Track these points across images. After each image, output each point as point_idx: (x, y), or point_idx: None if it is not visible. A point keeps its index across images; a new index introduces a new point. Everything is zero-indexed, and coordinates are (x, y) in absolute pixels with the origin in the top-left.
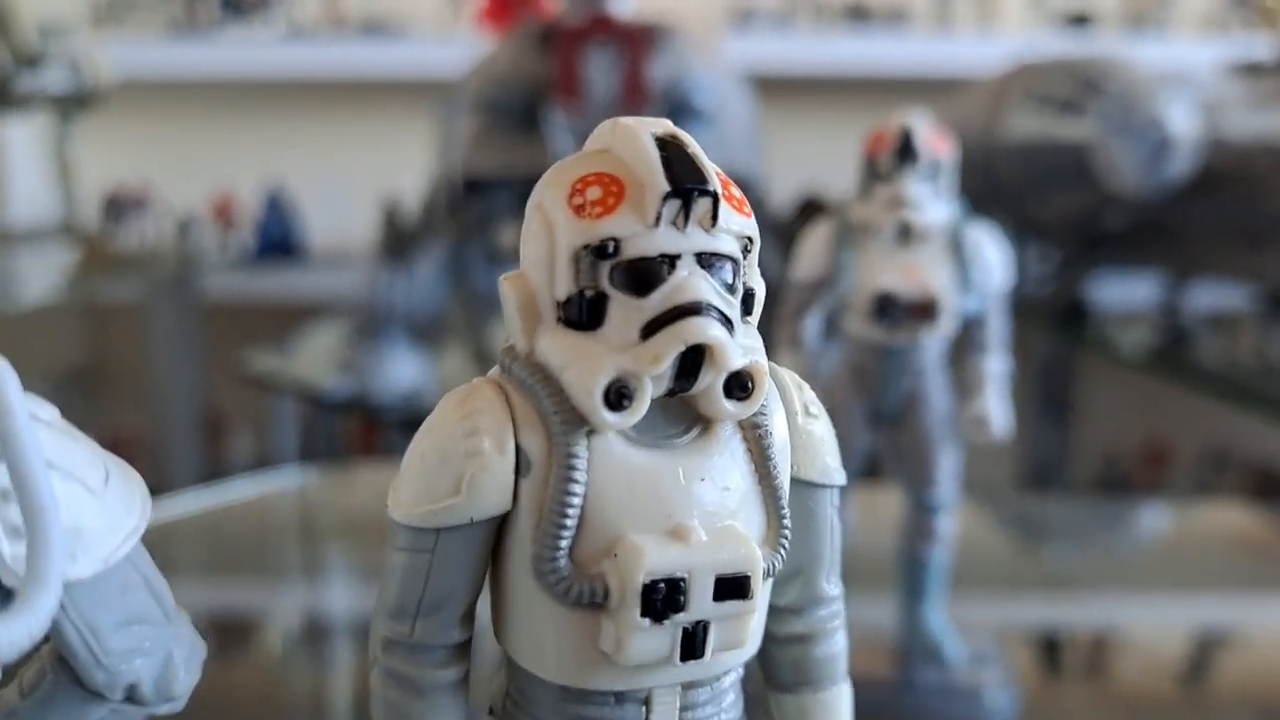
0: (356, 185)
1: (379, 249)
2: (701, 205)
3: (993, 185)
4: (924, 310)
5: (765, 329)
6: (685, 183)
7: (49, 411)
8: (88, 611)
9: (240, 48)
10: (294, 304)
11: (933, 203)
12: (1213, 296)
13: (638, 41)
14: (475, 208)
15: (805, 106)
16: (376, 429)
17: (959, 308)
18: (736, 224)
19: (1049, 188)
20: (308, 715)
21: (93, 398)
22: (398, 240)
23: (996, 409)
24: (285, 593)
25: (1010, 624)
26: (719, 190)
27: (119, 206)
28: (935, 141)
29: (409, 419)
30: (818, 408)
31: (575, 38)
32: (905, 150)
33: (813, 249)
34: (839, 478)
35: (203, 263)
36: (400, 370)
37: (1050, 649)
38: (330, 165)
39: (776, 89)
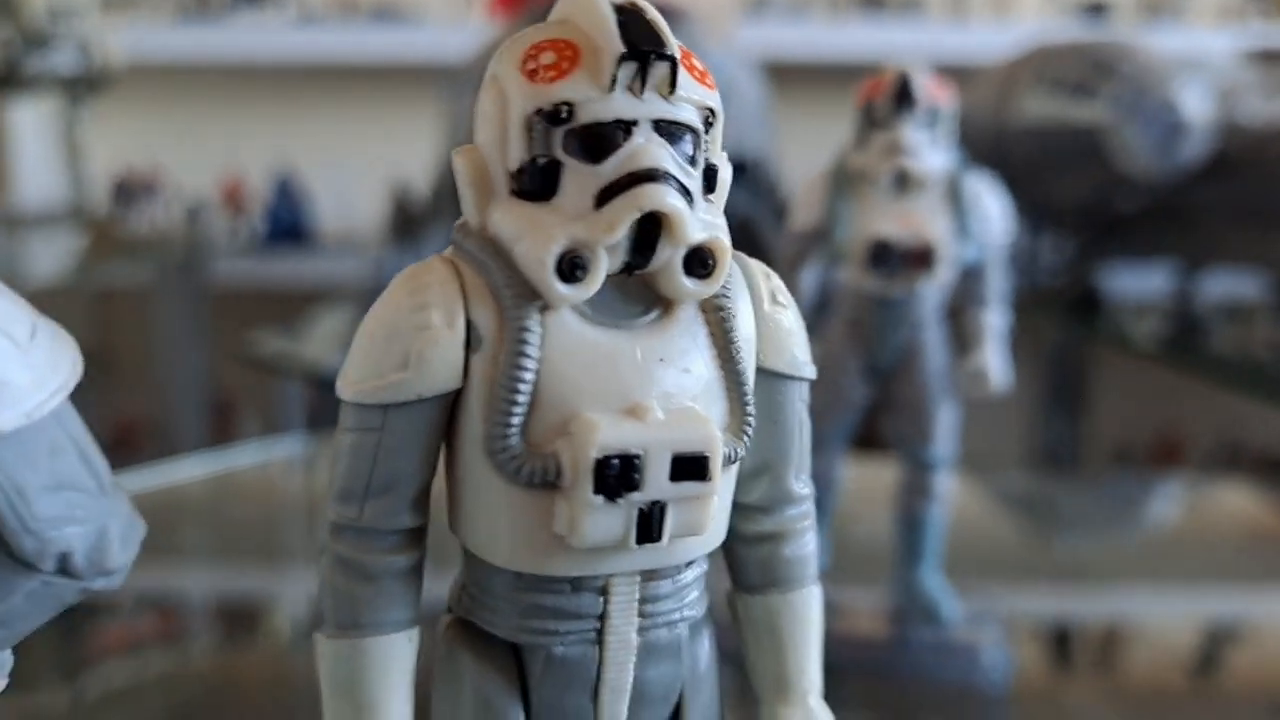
0: (366, 171)
1: (387, 231)
2: (659, 70)
3: (1005, 168)
4: (920, 258)
5: None
6: (642, 45)
7: None
8: (13, 470)
9: (251, 32)
10: (303, 289)
11: (930, 150)
12: (1226, 286)
13: None
14: None
15: (819, 94)
16: None
17: (956, 257)
18: (698, 94)
19: (1061, 170)
20: (316, 700)
21: (100, 381)
22: (406, 223)
23: (995, 362)
24: (291, 577)
25: (1020, 615)
26: (677, 55)
27: (128, 191)
28: (933, 89)
29: None
30: (786, 297)
31: None
32: (902, 97)
33: (808, 198)
34: (808, 370)
35: (212, 248)
36: None
37: (1060, 640)
38: (340, 151)
39: (791, 76)
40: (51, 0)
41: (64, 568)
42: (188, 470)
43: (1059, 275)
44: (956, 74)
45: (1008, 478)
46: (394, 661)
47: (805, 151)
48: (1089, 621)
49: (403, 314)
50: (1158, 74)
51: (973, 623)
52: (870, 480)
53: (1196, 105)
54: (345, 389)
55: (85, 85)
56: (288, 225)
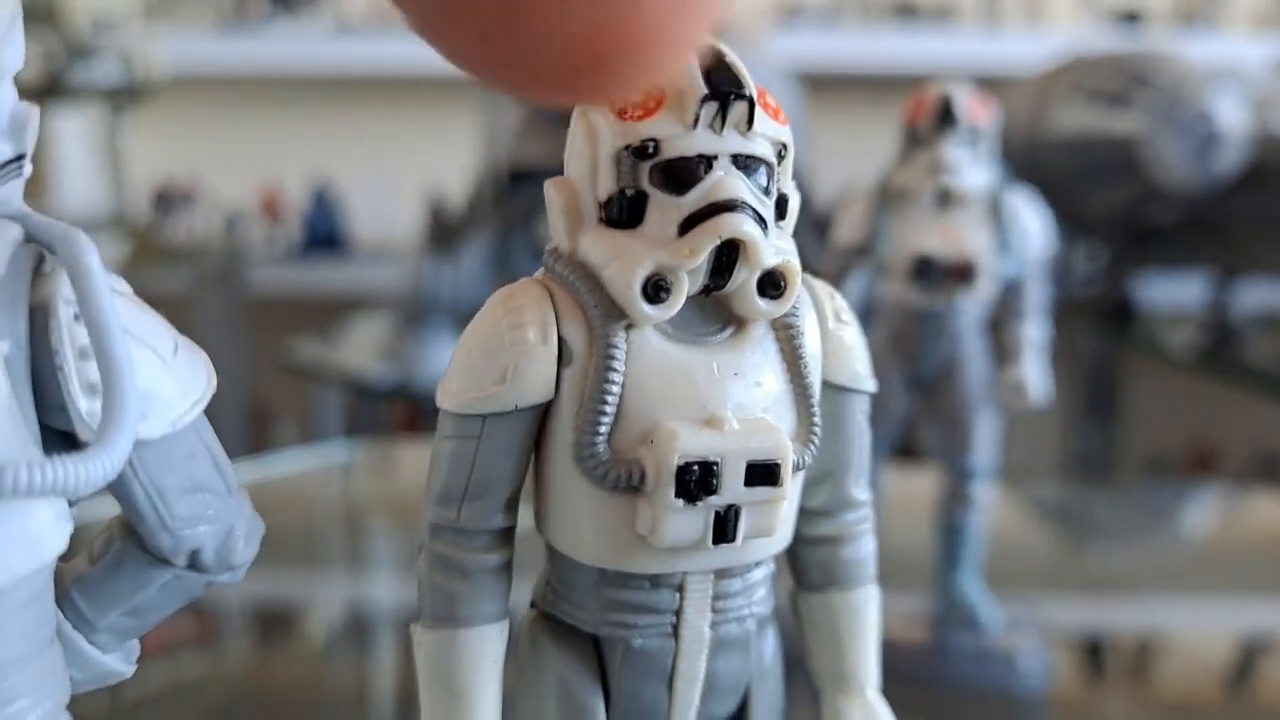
0: (402, 180)
1: (424, 241)
2: (738, 109)
3: (1040, 179)
4: (961, 272)
5: None
6: (722, 87)
7: (123, 285)
8: (155, 474)
9: (288, 42)
10: (339, 298)
11: (971, 168)
12: (1261, 295)
13: None
14: (520, 198)
15: (852, 104)
16: (420, 418)
17: (997, 272)
18: (771, 129)
19: (1096, 182)
20: (350, 707)
21: None
22: (443, 233)
23: (1034, 375)
24: (328, 582)
25: (1053, 624)
26: (755, 96)
27: (168, 200)
28: (975, 108)
29: None
30: (849, 315)
31: None
32: (945, 116)
33: (853, 214)
34: (869, 384)
35: (249, 256)
36: (444, 359)
37: (1093, 650)
38: (376, 160)
39: (823, 86)
40: (94, 12)
41: (194, 563)
42: None
43: (1093, 285)
44: (990, 83)
45: (1041, 487)
46: (486, 652)
47: (839, 159)
48: (1122, 632)
49: (501, 331)
50: (1193, 84)
51: (1011, 629)
52: (911, 488)
53: (1232, 115)
54: (446, 400)
55: (127, 96)
56: (324, 234)
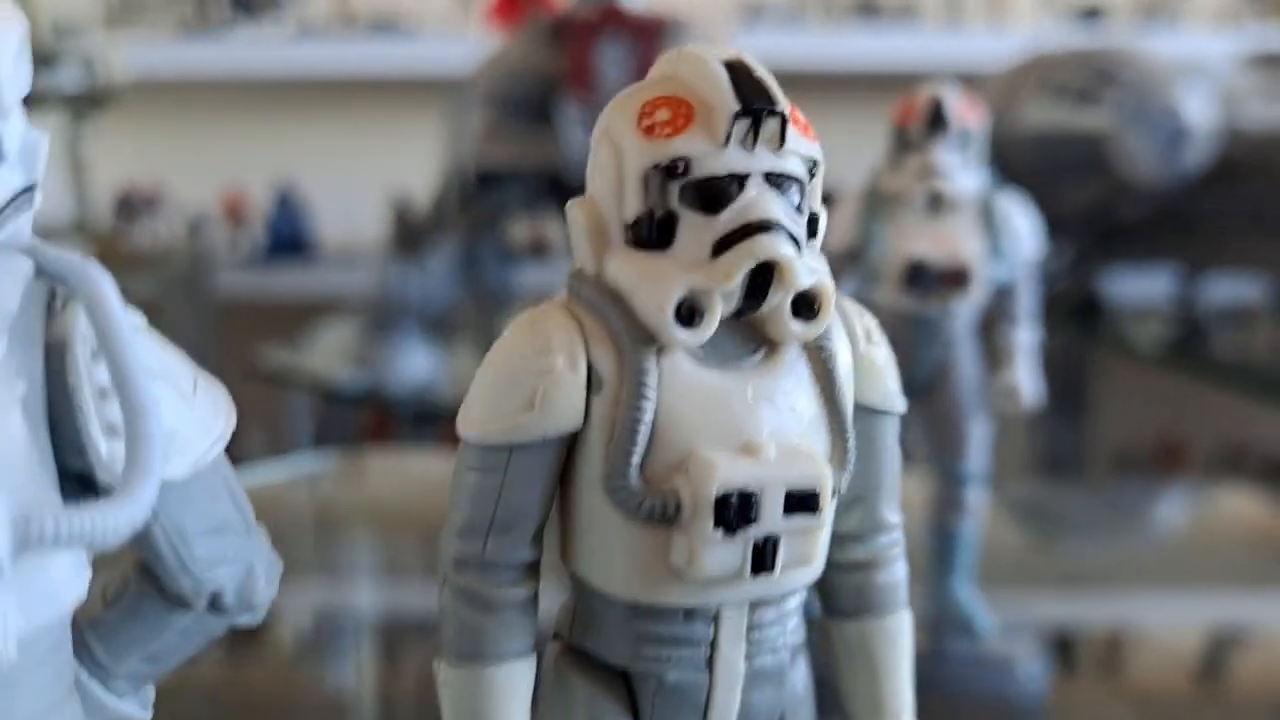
0: (367, 183)
1: (390, 245)
2: (770, 126)
3: (1007, 176)
4: (955, 278)
5: None
6: (755, 103)
7: (140, 320)
8: (177, 515)
9: (251, 47)
10: (305, 302)
11: (962, 172)
12: (1228, 290)
13: (649, 34)
14: (487, 201)
15: (815, 102)
16: (390, 423)
17: (989, 276)
18: (803, 147)
19: (1064, 178)
20: (320, 714)
21: None
22: (409, 236)
23: (1026, 379)
24: (299, 589)
25: (1024, 620)
26: (787, 111)
27: (131, 205)
28: (965, 111)
29: (422, 412)
30: (879, 335)
31: (587, 31)
32: (935, 120)
33: (843, 219)
34: (899, 404)
35: (214, 261)
36: (413, 364)
37: (1064, 646)
38: (340, 163)
39: (786, 84)
40: (56, 18)
41: (215, 605)
42: None
43: (1060, 280)
44: (952, 81)
45: (1011, 484)
46: (515, 689)
47: None
48: (1093, 628)
49: (527, 358)
50: (1160, 80)
51: (1007, 635)
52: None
53: (1199, 111)
54: (469, 429)
55: (89, 101)
56: (288, 238)
